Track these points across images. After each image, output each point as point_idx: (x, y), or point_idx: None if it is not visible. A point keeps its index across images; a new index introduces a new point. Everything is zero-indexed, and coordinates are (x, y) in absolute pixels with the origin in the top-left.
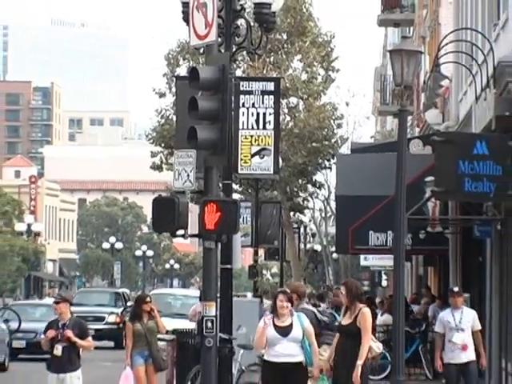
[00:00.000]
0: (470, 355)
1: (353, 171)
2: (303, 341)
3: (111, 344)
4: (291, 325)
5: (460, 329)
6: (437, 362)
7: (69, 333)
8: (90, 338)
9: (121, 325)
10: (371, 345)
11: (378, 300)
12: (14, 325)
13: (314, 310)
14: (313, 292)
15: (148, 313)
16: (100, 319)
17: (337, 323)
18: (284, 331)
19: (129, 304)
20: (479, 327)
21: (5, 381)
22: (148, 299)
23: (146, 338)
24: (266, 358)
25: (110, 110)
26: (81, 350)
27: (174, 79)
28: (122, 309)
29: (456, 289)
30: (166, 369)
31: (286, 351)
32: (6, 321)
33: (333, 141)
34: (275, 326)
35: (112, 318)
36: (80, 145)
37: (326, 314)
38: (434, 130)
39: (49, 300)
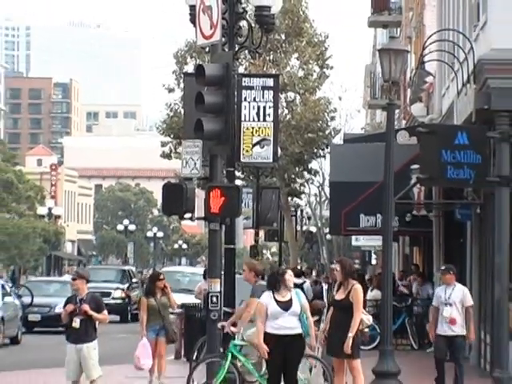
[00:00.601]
0: (457, 329)
1: (345, 159)
2: (301, 314)
3: (117, 318)
4: (291, 300)
5: (448, 303)
6: (430, 333)
7: (86, 307)
8: (105, 312)
9: (126, 300)
10: (362, 317)
11: (366, 277)
12: (26, 300)
13: None
14: (309, 267)
15: (161, 289)
16: (106, 294)
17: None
18: (285, 306)
19: (134, 280)
20: (469, 303)
21: (17, 353)
22: (162, 276)
23: (160, 312)
24: (267, 330)
25: (123, 104)
26: (97, 322)
27: (182, 76)
28: (127, 285)
29: (443, 267)
30: (176, 341)
31: (287, 324)
32: (19, 296)
33: (327, 132)
34: (277, 301)
35: (118, 294)
36: (96, 135)
37: None
38: (419, 122)
39: (65, 277)
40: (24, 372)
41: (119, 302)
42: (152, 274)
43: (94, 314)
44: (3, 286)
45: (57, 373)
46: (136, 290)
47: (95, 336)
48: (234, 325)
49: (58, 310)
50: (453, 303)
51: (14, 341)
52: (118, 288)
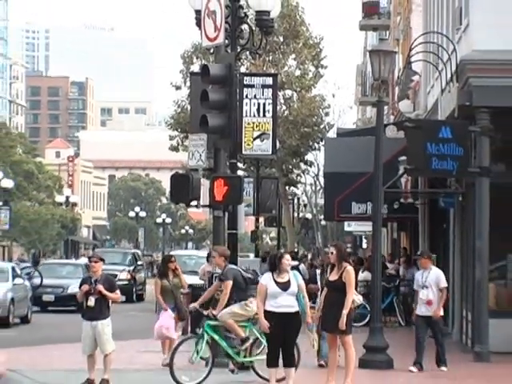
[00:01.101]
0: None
1: (338, 152)
2: (298, 294)
3: (123, 298)
4: (289, 281)
5: (425, 286)
6: (413, 315)
7: (100, 287)
8: (117, 292)
9: (132, 281)
10: (353, 297)
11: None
12: (36, 281)
13: (239, 268)
14: (304, 253)
15: (173, 271)
16: (113, 276)
17: (259, 279)
18: (284, 286)
19: (139, 263)
20: (442, 285)
21: (28, 331)
22: (173, 259)
23: (172, 292)
24: (268, 308)
25: (135, 101)
26: (110, 301)
27: (189, 75)
28: (133, 267)
29: (419, 253)
30: (186, 319)
31: (286, 303)
32: (30, 278)
33: (321, 126)
34: (276, 282)
35: (124, 275)
36: (110, 130)
37: (249, 271)
38: (406, 118)
39: (81, 260)
40: (39, 347)
41: (125, 283)
42: (164, 256)
43: (108, 294)
44: (14, 268)
45: (70, 348)
46: (141, 272)
47: (108, 314)
48: (207, 307)
49: (71, 290)
50: (429, 285)
51: (24, 320)
52: (124, 270)
